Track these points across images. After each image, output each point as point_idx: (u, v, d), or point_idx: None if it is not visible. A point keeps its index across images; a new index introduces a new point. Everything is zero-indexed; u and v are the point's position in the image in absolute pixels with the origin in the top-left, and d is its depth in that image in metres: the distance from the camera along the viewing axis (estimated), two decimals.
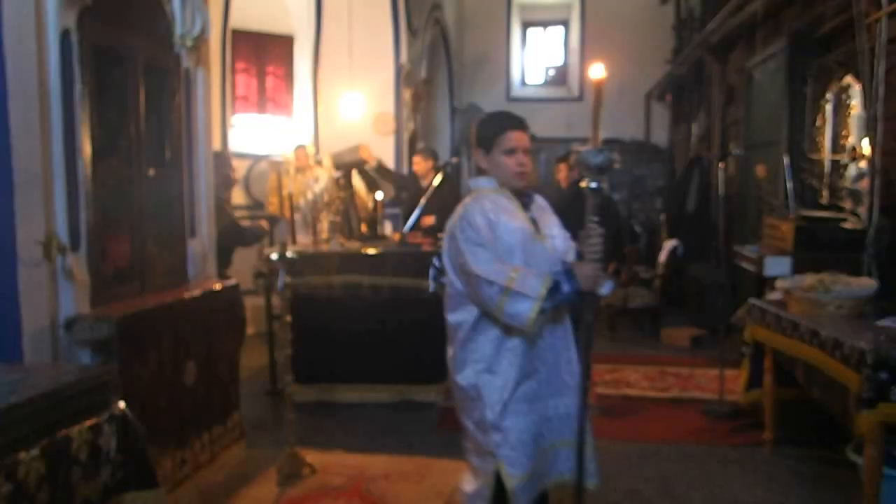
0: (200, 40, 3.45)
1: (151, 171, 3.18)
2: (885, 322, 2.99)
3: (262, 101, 7.43)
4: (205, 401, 3.26)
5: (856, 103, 4.76)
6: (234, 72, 6.84)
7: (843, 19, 4.59)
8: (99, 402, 1.97)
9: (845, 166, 4.91)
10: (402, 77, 8.00)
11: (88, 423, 1.89)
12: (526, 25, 12.36)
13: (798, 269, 3.95)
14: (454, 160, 7.84)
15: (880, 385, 2.52)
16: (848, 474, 3.11)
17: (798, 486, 3.38)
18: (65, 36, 2.59)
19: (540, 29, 12.42)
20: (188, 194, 3.49)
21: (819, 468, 3.53)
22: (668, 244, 7.05)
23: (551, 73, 12.42)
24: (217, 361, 3.39)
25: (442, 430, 4.20)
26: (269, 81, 7.50)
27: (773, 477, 3.49)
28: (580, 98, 11.51)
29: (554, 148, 11.39)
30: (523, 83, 12.30)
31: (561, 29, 12.27)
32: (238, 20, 6.55)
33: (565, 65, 12.16)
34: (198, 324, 3.20)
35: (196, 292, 3.25)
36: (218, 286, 3.46)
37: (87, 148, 2.70)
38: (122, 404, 2.05)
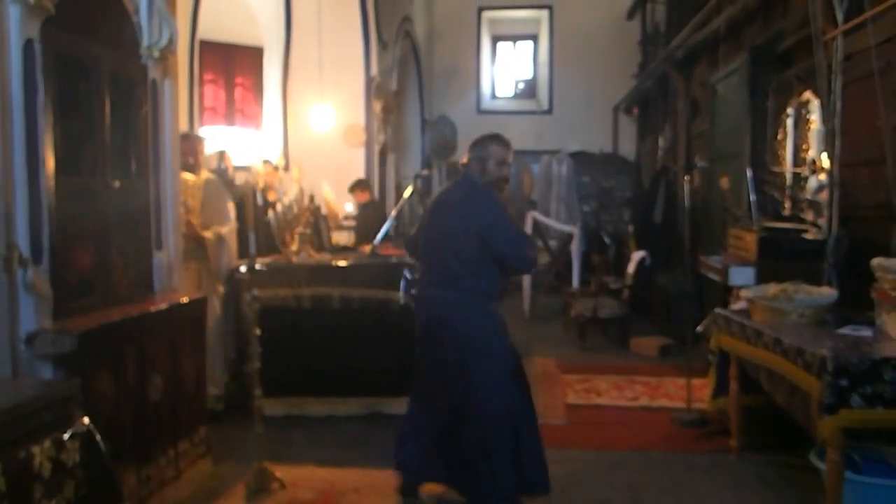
0: (168, 51, 3.42)
1: (117, 183, 3.14)
2: (845, 330, 3.07)
3: (231, 113, 7.38)
4: (170, 415, 3.21)
5: (815, 118, 4.91)
6: (201, 83, 6.78)
7: (802, 36, 4.74)
8: (62, 418, 1.93)
9: (806, 178, 5.04)
10: (373, 89, 8.02)
11: (51, 438, 1.85)
12: (496, 40, 12.51)
13: (761, 278, 4.03)
14: (425, 172, 7.88)
15: (841, 391, 2.58)
16: (812, 479, 3.18)
17: (764, 492, 3.44)
18: (28, 45, 2.54)
19: (510, 43, 12.58)
20: (154, 206, 3.44)
21: (784, 473, 3.60)
22: (636, 255, 7.15)
23: (521, 86, 12.57)
24: (183, 375, 3.34)
25: None
26: (238, 93, 7.46)
27: (739, 483, 3.54)
28: (549, 111, 11.67)
29: (524, 159, 11.54)
30: (493, 96, 12.43)
31: (530, 43, 12.44)
32: (206, 31, 6.50)
33: (534, 78, 12.33)
34: (163, 337, 3.15)
35: (162, 305, 3.20)
36: (184, 299, 3.41)
37: (50, 159, 2.66)
38: (85, 419, 2.01)
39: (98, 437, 2.04)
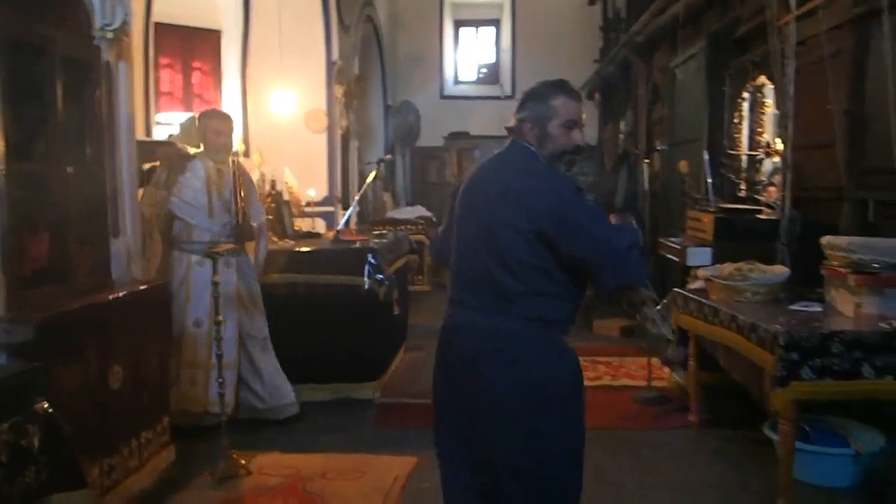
0: (122, 33, 3.33)
1: (71, 169, 3.06)
2: (796, 306, 3.17)
3: (189, 98, 7.22)
4: (133, 405, 3.16)
5: (770, 102, 5.03)
6: (158, 67, 6.62)
7: (758, 22, 4.84)
8: (21, 403, 1.89)
9: (761, 161, 5.18)
10: (334, 73, 7.94)
11: (10, 423, 1.81)
12: (458, 25, 12.47)
13: (718, 258, 4.14)
14: (388, 157, 7.85)
15: (792, 364, 2.67)
16: (766, 450, 3.30)
17: (721, 464, 3.55)
18: None
19: (472, 28, 12.56)
20: (111, 192, 3.37)
21: (740, 446, 3.72)
22: None
23: (483, 71, 12.57)
24: (145, 364, 3.29)
25: (380, 427, 4.21)
26: (196, 77, 7.30)
27: (698, 457, 3.65)
28: (512, 96, 11.70)
29: (489, 145, 11.56)
30: (456, 81, 12.41)
31: (493, 29, 12.44)
32: (162, 13, 6.34)
33: (497, 63, 12.34)
34: (124, 326, 3.10)
35: (121, 293, 3.15)
36: (144, 287, 3.36)
37: (0, 144, 2.58)
38: (45, 404, 1.97)
39: (59, 422, 2.00)
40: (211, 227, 4.00)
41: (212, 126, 4.10)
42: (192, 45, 7.22)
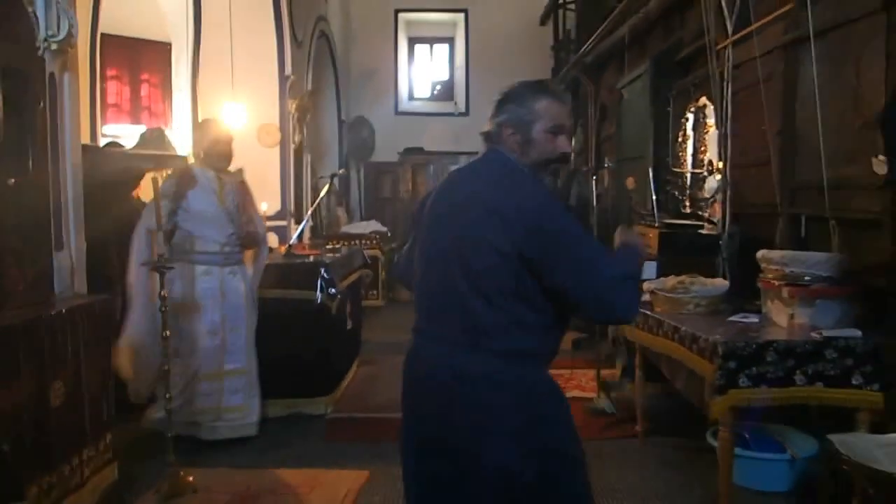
0: (67, 44, 3.28)
1: (12, 180, 2.99)
2: (735, 317, 3.30)
3: (137, 110, 7.10)
4: (74, 422, 3.08)
5: (711, 122, 5.23)
6: (104, 79, 6.49)
7: (698, 45, 5.04)
8: None
9: (704, 179, 5.37)
10: (288, 88, 7.92)
11: None
12: (413, 41, 12.59)
13: (662, 272, 4.26)
14: (341, 171, 7.85)
15: (730, 373, 2.78)
16: (708, 458, 3.40)
17: (665, 472, 3.65)
18: None
19: (426, 46, 12.69)
20: (55, 205, 3.30)
21: (684, 454, 3.83)
22: None
23: (438, 88, 12.70)
24: (87, 380, 3.21)
25: (331, 442, 4.19)
26: (144, 89, 7.18)
27: (644, 465, 3.74)
28: (466, 113, 11.84)
29: (442, 161, 11.66)
30: (411, 97, 12.49)
31: (446, 46, 12.60)
32: (109, 24, 6.24)
33: (451, 80, 12.48)
34: (66, 342, 3.03)
35: (62, 308, 3.07)
36: (87, 301, 3.29)
37: None
38: None
39: None
40: (218, 238, 4.00)
41: (211, 135, 4.12)
42: (141, 57, 7.11)
